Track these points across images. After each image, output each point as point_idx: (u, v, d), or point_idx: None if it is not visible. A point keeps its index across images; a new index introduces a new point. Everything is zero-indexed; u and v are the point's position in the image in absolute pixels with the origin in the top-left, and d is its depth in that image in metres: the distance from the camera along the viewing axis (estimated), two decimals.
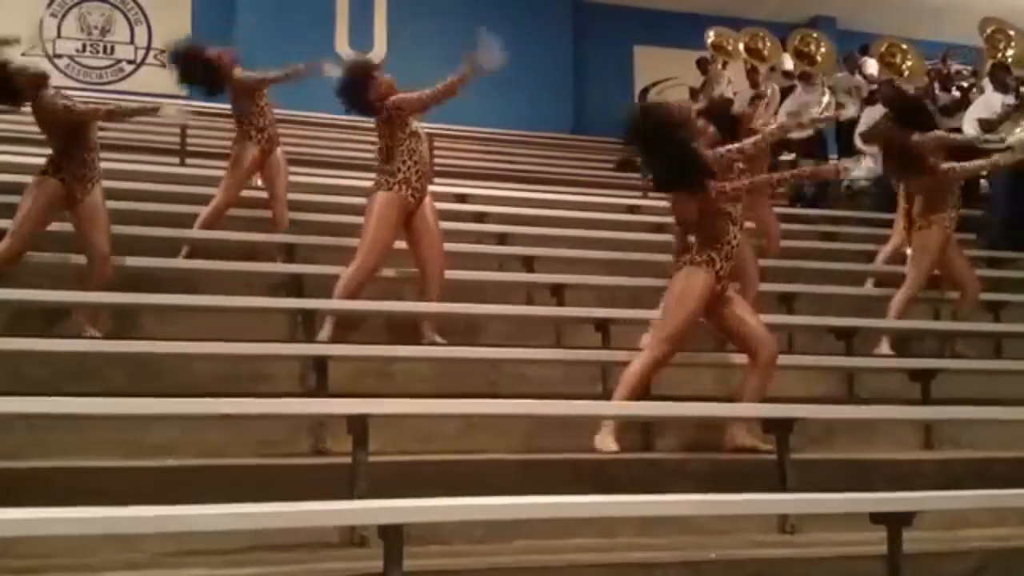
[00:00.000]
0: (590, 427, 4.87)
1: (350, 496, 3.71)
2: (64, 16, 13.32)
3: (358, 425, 3.85)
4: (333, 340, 5.39)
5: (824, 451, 5.12)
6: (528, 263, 7.04)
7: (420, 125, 5.75)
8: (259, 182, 6.85)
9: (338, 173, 8.83)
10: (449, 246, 6.64)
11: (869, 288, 7.39)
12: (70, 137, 5.46)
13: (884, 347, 6.51)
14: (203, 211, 6.49)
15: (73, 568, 3.31)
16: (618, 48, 15.17)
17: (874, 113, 10.08)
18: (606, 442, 4.73)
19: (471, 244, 7.21)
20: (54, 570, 3.29)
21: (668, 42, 14.84)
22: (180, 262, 6.10)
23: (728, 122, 5.48)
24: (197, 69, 6.44)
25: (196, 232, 6.41)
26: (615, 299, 6.41)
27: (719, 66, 11.31)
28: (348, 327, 5.70)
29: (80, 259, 5.54)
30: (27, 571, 3.27)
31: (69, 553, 3.35)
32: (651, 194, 9.85)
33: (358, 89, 5.59)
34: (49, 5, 13.30)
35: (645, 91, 15.46)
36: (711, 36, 11.59)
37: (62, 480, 3.73)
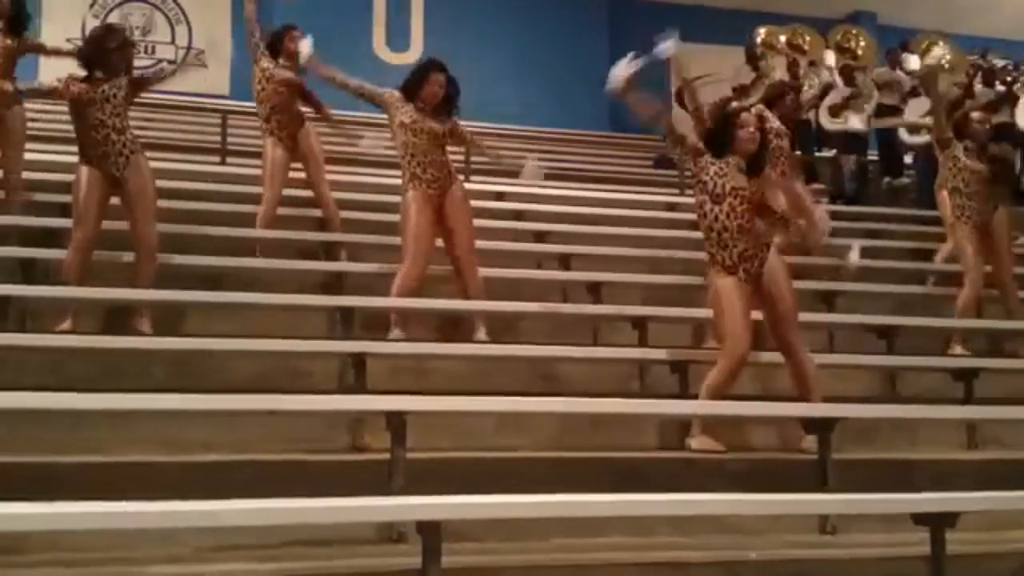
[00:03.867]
0: (627, 425, 4.85)
1: (388, 492, 3.72)
2: (106, 17, 13.48)
3: (396, 422, 3.86)
4: (369, 338, 5.40)
5: (866, 451, 5.07)
6: (565, 261, 7.02)
7: (417, 117, 5.65)
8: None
9: (379, 172, 8.86)
10: (486, 244, 6.65)
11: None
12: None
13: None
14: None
15: (115, 562, 3.36)
16: (655, 45, 15.08)
17: (918, 107, 9.98)
18: (706, 442, 4.76)
19: (509, 242, 7.21)
20: (97, 564, 3.34)
21: (706, 38, 14.67)
22: (219, 260, 6.12)
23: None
24: None
25: (220, 229, 6.46)
26: (653, 297, 6.38)
27: (771, 63, 11.21)
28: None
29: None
30: (70, 564, 3.32)
31: (111, 547, 3.40)
32: (688, 192, 9.82)
33: None
34: (91, 6, 13.49)
35: (681, 88, 15.38)
36: (761, 33, 11.52)
37: (104, 475, 3.78)
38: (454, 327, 5.90)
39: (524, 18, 13.72)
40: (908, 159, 10.82)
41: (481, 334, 5.63)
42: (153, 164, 5.83)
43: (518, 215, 8.08)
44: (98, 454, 4.05)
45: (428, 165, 5.64)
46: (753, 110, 5.40)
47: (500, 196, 8.59)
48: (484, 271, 6.03)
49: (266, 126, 6.71)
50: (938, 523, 3.58)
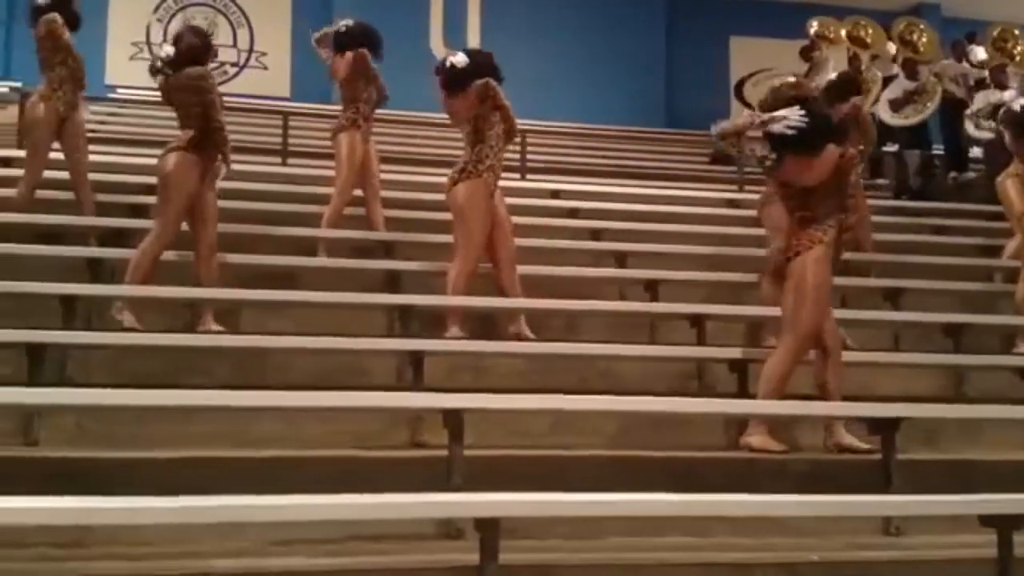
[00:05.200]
0: (685, 424, 4.81)
1: (446, 489, 3.74)
2: (169, 21, 13.74)
3: (454, 419, 3.88)
4: (426, 336, 5.43)
5: (931, 451, 4.97)
6: (622, 259, 6.99)
7: None
8: None
9: (435, 171, 8.90)
10: (542, 242, 6.65)
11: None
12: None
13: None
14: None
15: (178, 555, 3.41)
16: (714, 39, 14.97)
17: (986, 98, 9.77)
18: (766, 442, 4.66)
19: (565, 240, 7.20)
20: (159, 557, 3.40)
21: (765, 32, 14.56)
22: (280, 259, 6.21)
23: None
24: None
25: (281, 229, 6.52)
26: (711, 295, 6.32)
27: (823, 54, 11.09)
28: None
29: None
30: (133, 558, 3.38)
31: (173, 541, 3.46)
32: (748, 188, 9.72)
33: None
34: (155, 10, 13.75)
35: (741, 82, 15.24)
36: (814, 26, 11.41)
37: (168, 470, 3.85)
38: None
39: (580, 15, 13.69)
40: (975, 152, 10.58)
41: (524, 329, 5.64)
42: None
43: (574, 213, 8.06)
44: (161, 449, 4.13)
45: (499, 163, 5.68)
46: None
47: (556, 194, 8.58)
48: (541, 269, 6.02)
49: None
50: (1006, 525, 3.50)
